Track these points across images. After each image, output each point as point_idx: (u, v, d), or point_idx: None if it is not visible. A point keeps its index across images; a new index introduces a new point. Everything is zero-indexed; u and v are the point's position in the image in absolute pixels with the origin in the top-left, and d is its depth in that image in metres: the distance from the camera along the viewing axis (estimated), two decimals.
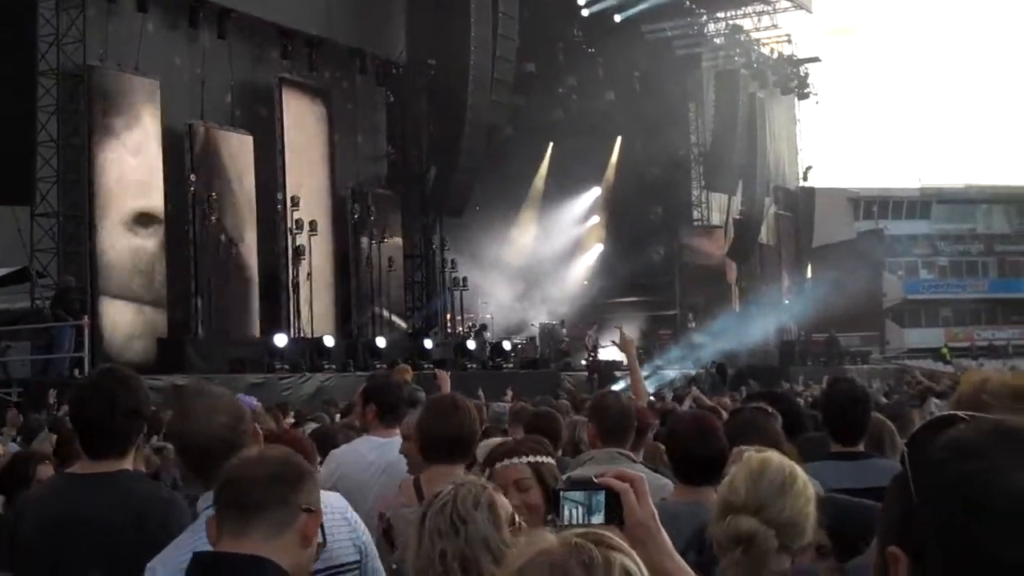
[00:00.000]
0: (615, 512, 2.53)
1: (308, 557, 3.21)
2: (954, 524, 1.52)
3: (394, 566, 4.35)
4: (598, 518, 2.51)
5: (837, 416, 6.54)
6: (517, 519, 3.56)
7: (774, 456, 3.71)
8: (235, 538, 3.12)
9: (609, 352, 37.20)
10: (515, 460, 4.40)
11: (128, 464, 4.48)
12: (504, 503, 3.54)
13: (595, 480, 2.60)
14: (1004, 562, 1.48)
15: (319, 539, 3.26)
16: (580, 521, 2.49)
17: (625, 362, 35.40)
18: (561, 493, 2.54)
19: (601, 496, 2.54)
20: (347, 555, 4.28)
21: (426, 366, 28.27)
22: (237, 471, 3.25)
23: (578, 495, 2.53)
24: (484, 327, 35.61)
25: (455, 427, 5.42)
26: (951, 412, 1.70)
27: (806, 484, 3.63)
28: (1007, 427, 1.61)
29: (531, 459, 4.40)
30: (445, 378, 10.51)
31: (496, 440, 6.23)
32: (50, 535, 4.28)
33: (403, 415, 7.27)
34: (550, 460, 4.47)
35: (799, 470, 3.65)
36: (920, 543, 1.56)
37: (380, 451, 6.60)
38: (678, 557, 2.63)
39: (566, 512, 2.51)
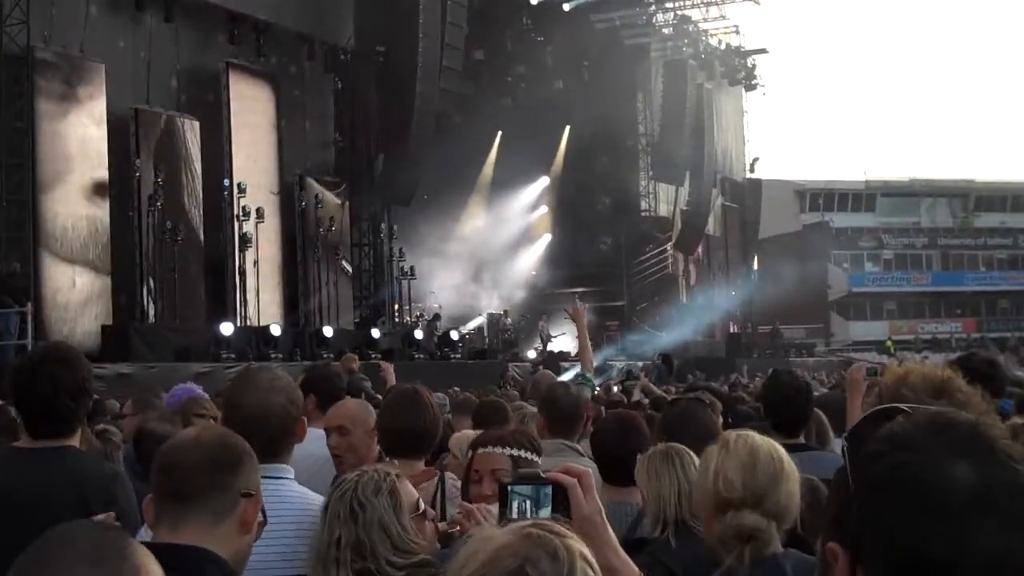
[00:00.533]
0: (562, 506, 2.52)
1: (248, 543, 3.09)
2: (886, 517, 1.53)
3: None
4: (545, 512, 2.50)
5: (777, 408, 6.61)
6: (422, 506, 3.64)
7: (759, 441, 3.67)
8: (172, 528, 3.00)
9: (561, 342, 37.36)
10: (497, 450, 4.41)
11: (75, 442, 4.43)
12: (409, 491, 3.58)
13: (542, 475, 2.61)
14: (933, 554, 1.49)
15: (259, 519, 3.15)
16: (528, 515, 2.47)
17: (574, 353, 35.51)
18: (509, 487, 2.52)
19: (549, 490, 2.53)
20: None
21: (373, 356, 28.21)
22: (173, 456, 3.11)
23: (526, 489, 2.52)
24: (437, 316, 35.52)
25: (416, 421, 5.33)
26: (892, 404, 1.71)
27: (792, 465, 3.65)
28: (945, 419, 1.62)
29: (513, 452, 4.40)
30: (390, 370, 10.44)
31: (469, 432, 6.14)
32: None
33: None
34: (534, 458, 4.44)
35: (782, 451, 3.63)
36: (857, 536, 1.57)
37: (320, 443, 6.45)
38: (623, 553, 2.64)
39: (514, 505, 2.50)
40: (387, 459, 5.36)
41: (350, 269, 33.09)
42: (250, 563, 3.38)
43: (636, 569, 2.65)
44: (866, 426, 1.67)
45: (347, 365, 17.06)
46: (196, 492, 3.00)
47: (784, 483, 3.54)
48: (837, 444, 6.70)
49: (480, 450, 4.46)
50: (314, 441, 6.45)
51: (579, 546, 2.04)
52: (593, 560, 2.04)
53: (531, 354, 36.35)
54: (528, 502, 2.51)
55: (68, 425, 4.36)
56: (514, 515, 2.48)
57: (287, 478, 3.97)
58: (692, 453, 4.59)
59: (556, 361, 32.51)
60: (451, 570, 2.05)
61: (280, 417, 3.99)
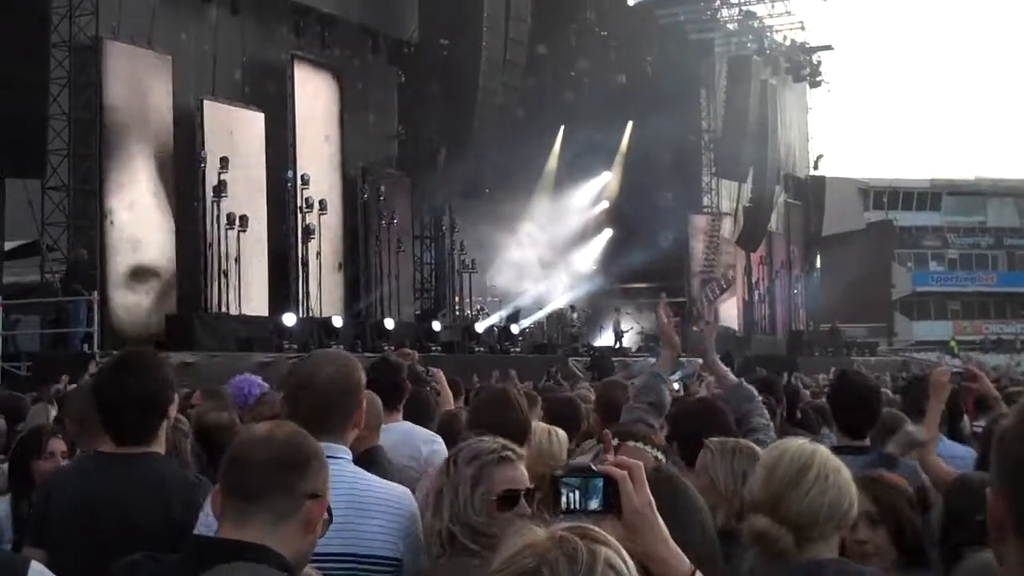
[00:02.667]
0: (612, 499, 2.58)
1: (311, 542, 3.10)
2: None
3: None
4: (595, 504, 2.57)
5: (846, 409, 6.48)
6: None
7: (791, 445, 3.68)
8: (236, 525, 3.01)
9: (628, 338, 37.47)
10: (648, 448, 4.47)
11: (156, 447, 4.43)
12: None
13: (593, 467, 2.66)
14: None
15: (325, 517, 3.15)
16: (576, 507, 2.55)
17: (635, 349, 35.44)
18: (560, 479, 2.58)
19: (599, 483, 2.59)
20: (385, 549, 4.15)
21: (433, 348, 28.32)
22: (241, 451, 3.13)
23: (575, 480, 2.58)
24: (518, 311, 35.57)
25: (508, 421, 5.31)
26: None
27: (825, 474, 3.59)
28: None
29: (657, 454, 4.49)
30: (441, 377, 10.36)
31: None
32: (79, 515, 4.24)
33: (401, 398, 7.22)
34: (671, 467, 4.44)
35: (818, 459, 3.62)
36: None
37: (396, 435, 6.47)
38: (673, 545, 2.67)
39: (564, 497, 2.56)
40: None
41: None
42: None
43: (687, 561, 2.69)
44: None
45: (405, 358, 17.11)
46: (260, 492, 3.01)
47: (800, 489, 3.52)
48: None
49: (629, 443, 4.48)
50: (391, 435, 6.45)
51: (606, 551, 2.09)
52: (623, 566, 2.10)
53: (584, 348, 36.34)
54: (577, 493, 2.56)
55: (142, 433, 4.36)
56: (564, 506, 2.54)
57: (342, 458, 3.96)
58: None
59: (608, 359, 32.56)
60: (496, 555, 2.14)
61: (331, 393, 4.00)
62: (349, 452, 4.04)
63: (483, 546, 3.66)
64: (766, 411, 5.96)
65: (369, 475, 4.16)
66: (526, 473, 3.83)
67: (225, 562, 2.91)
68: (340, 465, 3.79)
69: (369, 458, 5.31)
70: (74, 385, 14.25)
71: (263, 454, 3.06)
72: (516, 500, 3.74)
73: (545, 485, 3.21)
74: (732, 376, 6.52)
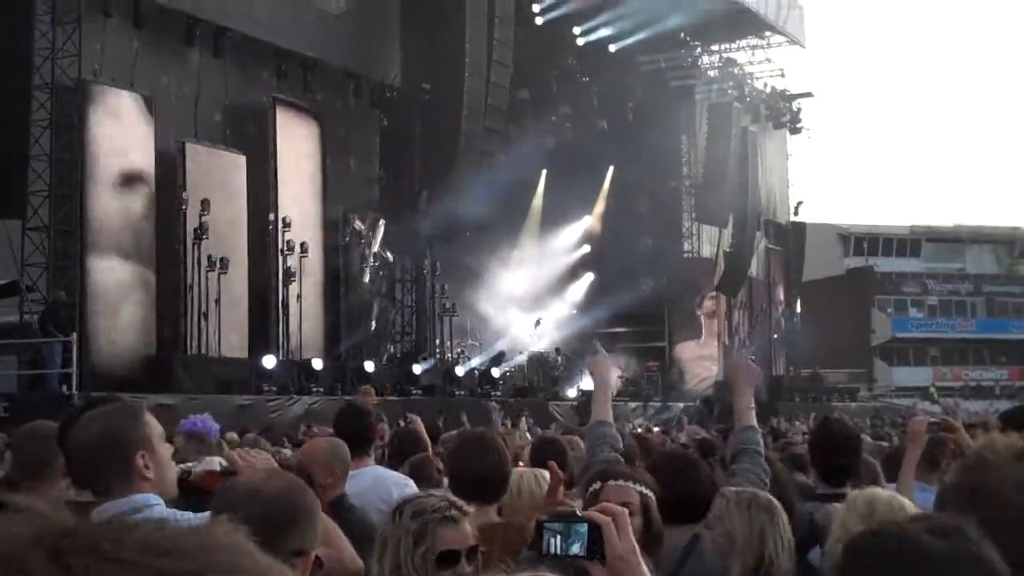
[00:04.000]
0: (596, 546, 2.58)
1: None
2: None
3: None
4: (577, 549, 2.58)
5: (827, 456, 6.52)
6: None
7: (881, 494, 3.74)
8: None
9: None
10: (629, 484, 4.48)
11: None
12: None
13: (578, 513, 2.71)
14: None
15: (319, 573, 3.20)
16: (559, 551, 2.57)
17: (615, 394, 35.49)
18: (544, 523, 2.61)
19: (583, 528, 2.59)
20: None
21: (414, 392, 28.31)
22: (228, 504, 3.12)
23: (559, 526, 2.60)
24: (502, 354, 35.57)
25: (488, 466, 5.36)
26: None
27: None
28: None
29: (641, 490, 4.49)
30: (419, 424, 10.32)
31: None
32: None
33: (370, 443, 7.21)
34: (654, 499, 4.50)
35: (907, 505, 3.67)
36: None
37: (349, 483, 6.42)
38: None
39: (547, 541, 2.58)
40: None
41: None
42: None
43: None
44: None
45: (364, 398, 17.22)
46: None
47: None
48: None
49: (611, 483, 4.50)
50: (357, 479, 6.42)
51: None
52: None
53: (571, 393, 36.28)
54: (559, 538, 2.58)
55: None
56: (547, 550, 2.56)
57: (153, 505, 3.81)
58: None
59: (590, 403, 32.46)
60: None
61: (97, 455, 3.86)
62: (154, 498, 3.83)
63: None
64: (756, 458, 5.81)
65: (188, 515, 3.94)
66: (469, 531, 3.85)
67: None
68: (149, 515, 3.59)
69: (335, 507, 5.30)
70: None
71: (251, 509, 3.01)
72: (457, 560, 3.77)
73: (531, 530, 3.25)
74: (750, 418, 6.36)
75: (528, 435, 17.70)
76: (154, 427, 3.93)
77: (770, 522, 4.64)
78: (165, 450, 3.96)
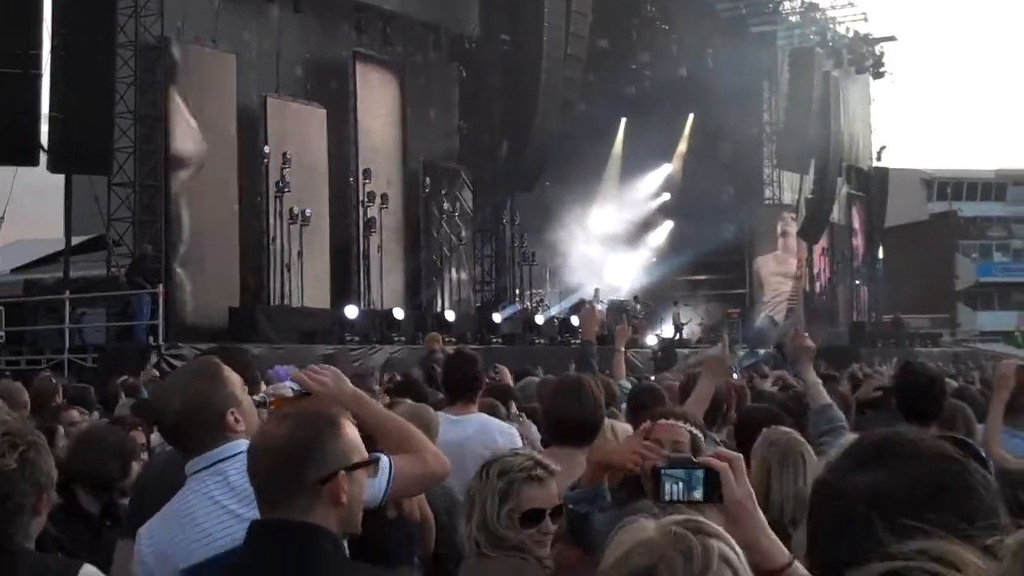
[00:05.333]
0: (714, 490, 2.63)
1: (347, 513, 3.15)
2: None
3: None
4: (697, 494, 2.63)
5: (911, 398, 6.55)
6: None
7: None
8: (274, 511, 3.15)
9: (688, 329, 37.65)
10: (679, 423, 4.53)
11: None
12: None
13: (694, 459, 2.75)
14: None
15: (371, 474, 3.28)
16: (680, 497, 2.63)
17: (695, 340, 35.44)
18: (662, 470, 2.67)
19: (700, 474, 2.64)
20: None
21: (494, 340, 28.50)
22: (250, 464, 3.24)
23: (679, 472, 2.65)
24: (582, 302, 35.61)
25: (583, 410, 5.50)
26: None
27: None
28: None
29: (691, 429, 4.53)
30: (506, 373, 10.55)
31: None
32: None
33: (477, 390, 7.32)
34: (702, 438, 4.55)
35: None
36: None
37: (454, 429, 6.56)
38: (773, 535, 2.66)
39: (667, 488, 2.65)
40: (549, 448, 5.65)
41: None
42: (173, 544, 3.66)
43: (786, 551, 2.64)
44: None
45: (430, 345, 17.65)
46: (276, 498, 3.11)
47: None
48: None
49: (662, 420, 4.50)
50: (449, 428, 6.51)
51: (720, 546, 2.11)
52: (737, 559, 2.12)
53: (651, 340, 36.34)
54: (680, 484, 2.64)
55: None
56: (667, 497, 2.65)
57: (238, 453, 3.74)
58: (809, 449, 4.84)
59: (671, 349, 32.65)
60: (607, 553, 2.16)
61: (187, 413, 3.88)
62: (243, 442, 3.70)
63: (503, 552, 3.95)
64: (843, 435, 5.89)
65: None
66: (555, 490, 3.99)
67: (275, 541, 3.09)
68: (242, 459, 3.47)
69: None
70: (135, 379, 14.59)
71: (265, 464, 3.16)
72: (541, 518, 3.95)
73: (647, 477, 3.41)
74: (822, 395, 6.51)
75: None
76: (235, 380, 3.99)
77: (779, 464, 4.74)
78: (248, 398, 4.03)
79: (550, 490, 3.98)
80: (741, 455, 2.74)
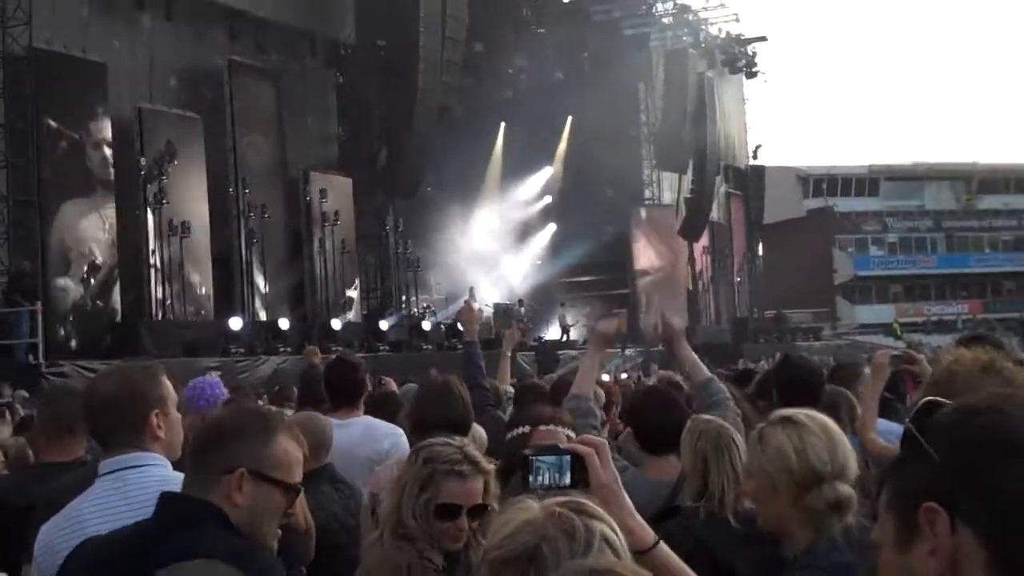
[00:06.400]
0: (580, 475, 2.71)
1: (243, 515, 3.18)
2: (983, 470, 1.63)
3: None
4: (566, 480, 2.70)
5: (790, 392, 6.46)
6: None
7: (820, 417, 3.78)
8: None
9: (574, 331, 37.79)
10: (560, 429, 4.54)
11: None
12: None
13: (561, 446, 2.86)
14: None
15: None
16: (551, 482, 2.68)
17: (581, 341, 35.50)
18: (532, 457, 2.72)
19: (568, 460, 2.73)
20: None
21: (381, 348, 28.36)
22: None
23: (549, 459, 2.72)
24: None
25: (450, 412, 5.44)
26: (934, 399, 1.78)
27: None
28: (1006, 394, 1.77)
29: (569, 433, 4.50)
30: (392, 386, 10.44)
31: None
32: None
33: (360, 395, 7.27)
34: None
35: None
36: (951, 496, 1.65)
37: (340, 434, 6.41)
38: (638, 516, 2.78)
39: (538, 474, 2.70)
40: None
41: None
42: (60, 536, 3.62)
43: (651, 532, 2.78)
44: (922, 414, 1.75)
45: (309, 359, 17.56)
46: (191, 470, 3.26)
47: (852, 455, 3.65)
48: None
49: (541, 427, 4.56)
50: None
51: (602, 527, 2.23)
52: (617, 540, 2.24)
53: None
54: (551, 470, 2.71)
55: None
56: (537, 483, 2.68)
57: (147, 465, 3.83)
58: (737, 433, 4.78)
59: (553, 351, 32.85)
60: (488, 533, 2.30)
61: (111, 407, 3.89)
62: (158, 457, 3.87)
63: (400, 542, 3.82)
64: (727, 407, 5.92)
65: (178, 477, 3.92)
66: (480, 489, 3.85)
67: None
68: (146, 472, 3.74)
69: (313, 479, 5.37)
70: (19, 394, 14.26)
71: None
72: (456, 515, 3.80)
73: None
74: (702, 369, 6.42)
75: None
76: (170, 390, 4.01)
77: (714, 450, 4.66)
78: (176, 414, 4.03)
79: (472, 487, 3.84)
80: (606, 441, 2.89)
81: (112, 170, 25.66)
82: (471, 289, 35.89)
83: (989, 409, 1.69)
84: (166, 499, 3.21)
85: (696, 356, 6.41)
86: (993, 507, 1.62)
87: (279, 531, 3.31)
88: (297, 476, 3.30)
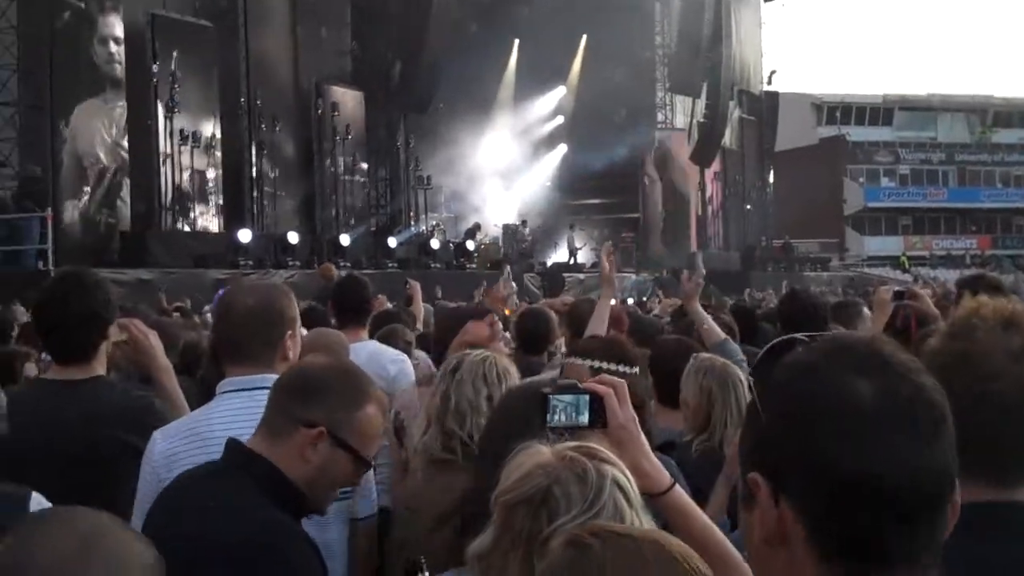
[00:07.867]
0: (598, 415, 2.71)
1: (309, 472, 3.13)
2: (797, 439, 1.60)
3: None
4: (583, 419, 2.68)
5: (795, 326, 6.51)
6: None
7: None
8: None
9: (583, 254, 37.75)
10: (579, 361, 4.38)
11: (98, 368, 4.35)
12: None
13: (580, 385, 2.77)
14: (849, 471, 1.55)
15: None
16: (567, 421, 2.66)
17: (589, 264, 35.50)
18: (549, 396, 2.69)
19: (586, 399, 2.71)
20: None
21: (389, 264, 28.30)
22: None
23: (566, 398, 2.70)
24: (478, 226, 35.49)
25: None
26: (791, 336, 1.76)
27: None
28: (842, 342, 1.71)
29: (594, 364, 4.29)
30: (416, 289, 10.44)
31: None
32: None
33: (368, 314, 7.34)
34: (623, 368, 4.10)
35: None
36: (774, 464, 1.63)
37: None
38: (654, 458, 2.78)
39: (554, 413, 2.67)
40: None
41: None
42: (185, 447, 3.68)
43: (667, 475, 2.76)
44: (769, 359, 1.71)
45: (325, 274, 17.51)
46: (271, 407, 3.24)
47: None
48: None
49: (568, 360, 4.46)
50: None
51: (613, 471, 2.26)
52: (628, 484, 2.27)
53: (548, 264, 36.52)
54: (568, 409, 2.68)
55: (80, 350, 4.29)
56: (554, 421, 2.66)
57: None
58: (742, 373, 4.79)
59: (559, 274, 32.83)
60: (503, 475, 2.29)
61: (250, 323, 3.92)
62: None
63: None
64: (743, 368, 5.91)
65: None
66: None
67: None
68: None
69: None
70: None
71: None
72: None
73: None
74: (717, 331, 6.61)
75: (512, 284, 17.93)
76: (297, 311, 4.05)
77: (719, 388, 4.78)
78: (300, 334, 4.08)
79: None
80: (624, 381, 2.80)
81: (119, 67, 25.29)
82: (476, 224, 35.65)
83: (813, 371, 1.63)
84: (230, 447, 3.21)
85: (709, 319, 6.66)
86: (806, 482, 1.58)
87: (336, 495, 3.32)
88: (372, 450, 3.28)
